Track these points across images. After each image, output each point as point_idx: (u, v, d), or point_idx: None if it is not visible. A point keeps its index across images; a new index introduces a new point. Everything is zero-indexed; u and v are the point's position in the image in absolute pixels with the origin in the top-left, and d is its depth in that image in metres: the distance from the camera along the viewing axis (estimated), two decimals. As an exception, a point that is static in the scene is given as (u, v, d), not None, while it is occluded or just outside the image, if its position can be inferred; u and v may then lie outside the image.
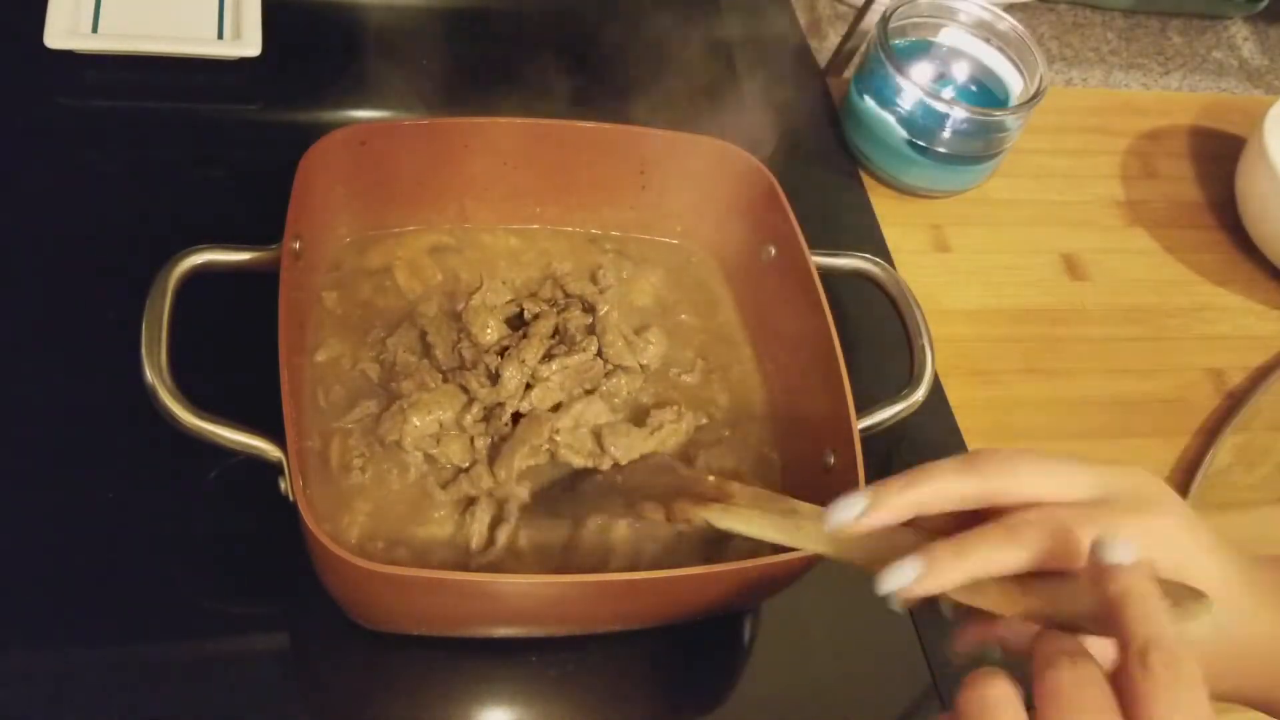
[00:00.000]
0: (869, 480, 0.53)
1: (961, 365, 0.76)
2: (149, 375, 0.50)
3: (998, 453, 0.42)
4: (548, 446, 0.58)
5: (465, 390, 0.58)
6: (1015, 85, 0.84)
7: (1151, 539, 0.40)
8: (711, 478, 0.52)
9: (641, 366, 0.62)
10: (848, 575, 0.64)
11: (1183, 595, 0.38)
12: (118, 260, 0.64)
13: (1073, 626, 0.38)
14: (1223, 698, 0.45)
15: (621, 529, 0.57)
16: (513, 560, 0.55)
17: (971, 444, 0.71)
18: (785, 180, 0.64)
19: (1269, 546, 0.56)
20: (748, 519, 0.47)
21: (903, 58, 0.82)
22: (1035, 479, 0.41)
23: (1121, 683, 0.34)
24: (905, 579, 0.39)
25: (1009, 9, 0.86)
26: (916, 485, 0.41)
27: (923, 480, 0.41)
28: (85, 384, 0.61)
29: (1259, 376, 0.82)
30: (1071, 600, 0.38)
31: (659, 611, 0.57)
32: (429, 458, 0.57)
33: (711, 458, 0.61)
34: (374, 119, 0.77)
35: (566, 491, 0.58)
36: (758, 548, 0.58)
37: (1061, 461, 0.42)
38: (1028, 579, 0.39)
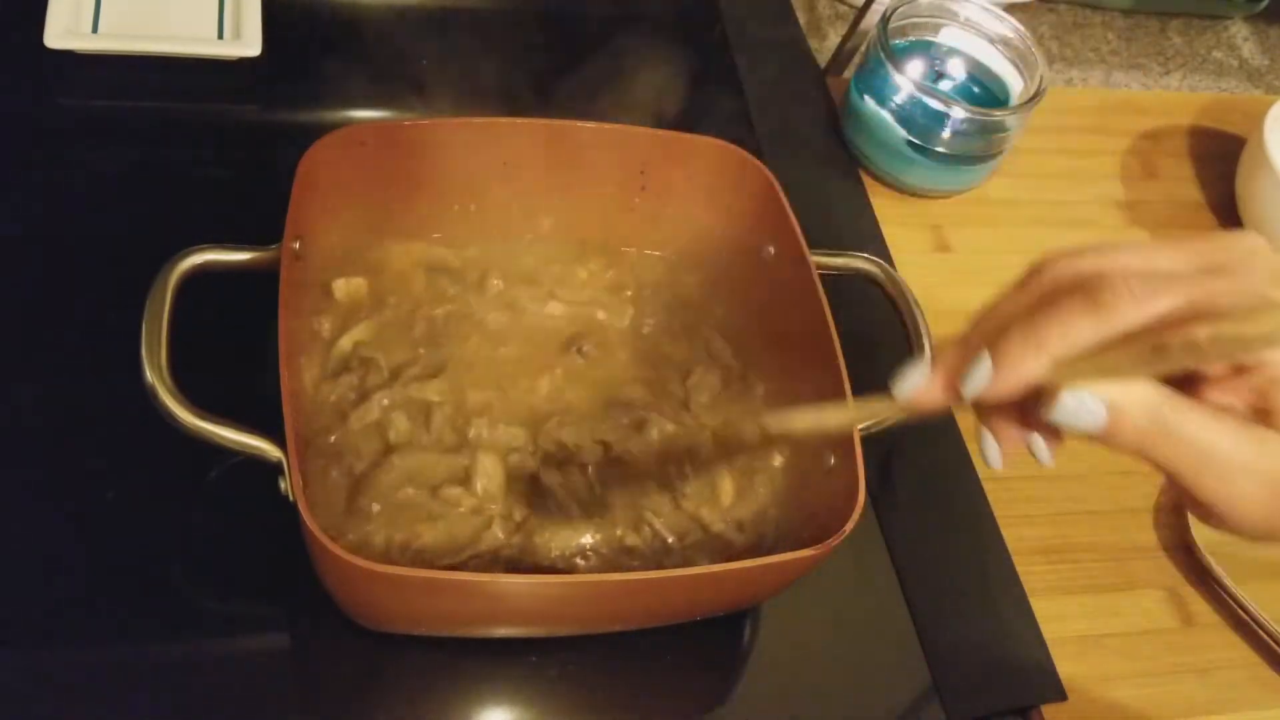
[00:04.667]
0: (869, 484, 0.54)
1: (961, 365, 0.76)
2: (149, 375, 0.50)
3: (1102, 273, 0.34)
4: None
5: None
6: (1015, 85, 0.84)
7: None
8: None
9: None
10: (848, 575, 0.64)
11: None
12: (118, 260, 0.64)
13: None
14: None
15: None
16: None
17: (971, 445, 0.71)
18: (785, 180, 0.64)
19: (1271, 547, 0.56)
20: (802, 418, 0.46)
21: (903, 58, 0.82)
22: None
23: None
24: (979, 382, 0.35)
25: (1009, 9, 0.86)
26: (1046, 345, 0.35)
27: (1052, 338, 0.35)
28: (85, 384, 0.61)
29: (1259, 376, 0.82)
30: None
31: (659, 611, 0.57)
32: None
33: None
34: (374, 119, 0.77)
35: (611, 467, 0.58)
36: (758, 548, 0.58)
37: (1162, 249, 0.35)
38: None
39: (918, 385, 0.38)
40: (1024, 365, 0.34)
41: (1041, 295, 0.36)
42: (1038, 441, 0.38)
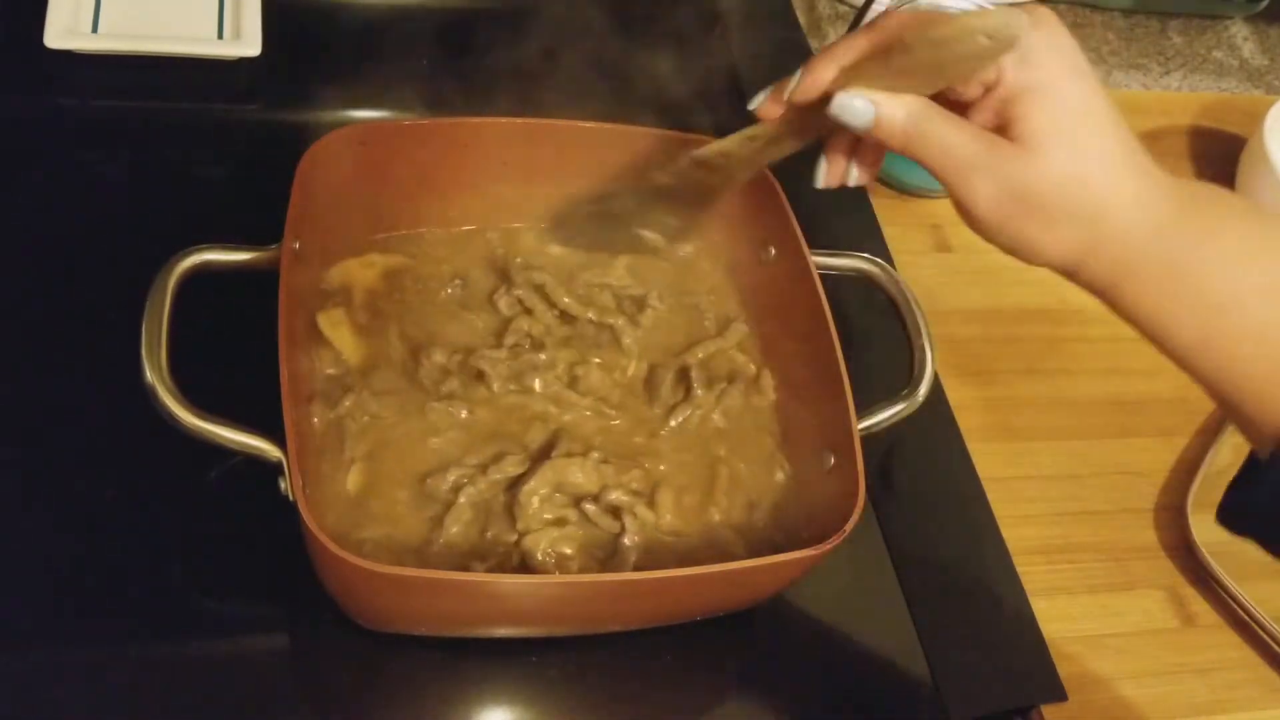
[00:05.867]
0: (869, 484, 0.54)
1: (961, 365, 0.76)
2: (149, 375, 0.50)
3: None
4: None
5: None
6: (1015, 85, 0.84)
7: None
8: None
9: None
10: (848, 575, 0.64)
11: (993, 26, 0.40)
12: (118, 260, 0.64)
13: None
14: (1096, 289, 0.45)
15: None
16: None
17: (971, 445, 0.71)
18: (785, 180, 0.64)
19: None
20: (720, 145, 0.54)
21: (903, 58, 0.82)
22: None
23: None
24: (792, 87, 0.46)
25: (1009, 9, 0.86)
26: (835, 56, 0.45)
27: (839, 51, 0.46)
28: (85, 384, 0.61)
29: (1259, 376, 0.82)
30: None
31: (659, 611, 0.57)
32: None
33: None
34: (374, 119, 0.77)
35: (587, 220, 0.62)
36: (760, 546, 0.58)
37: None
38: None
39: (763, 100, 0.48)
40: (819, 71, 0.45)
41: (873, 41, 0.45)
42: (853, 169, 0.50)
